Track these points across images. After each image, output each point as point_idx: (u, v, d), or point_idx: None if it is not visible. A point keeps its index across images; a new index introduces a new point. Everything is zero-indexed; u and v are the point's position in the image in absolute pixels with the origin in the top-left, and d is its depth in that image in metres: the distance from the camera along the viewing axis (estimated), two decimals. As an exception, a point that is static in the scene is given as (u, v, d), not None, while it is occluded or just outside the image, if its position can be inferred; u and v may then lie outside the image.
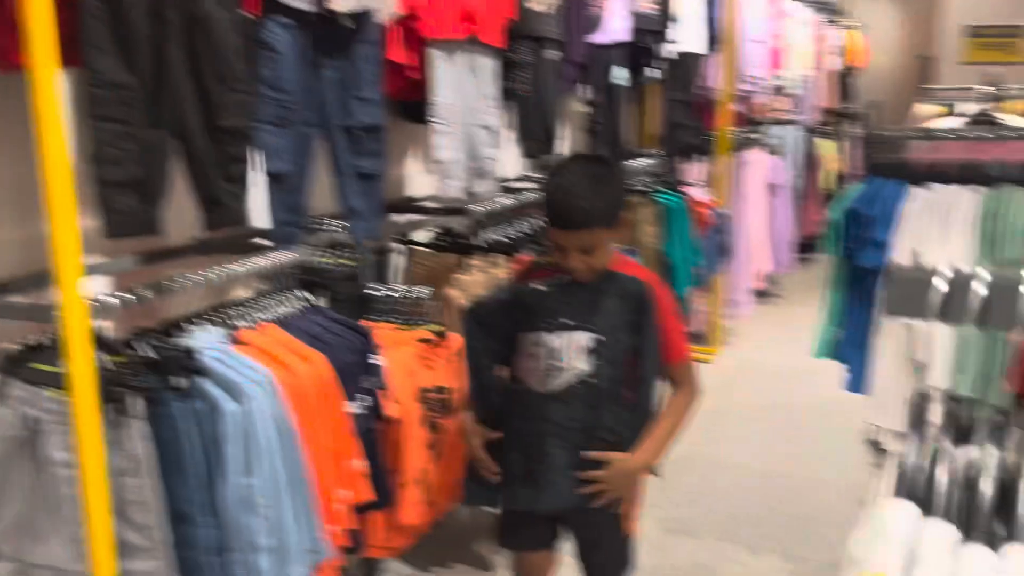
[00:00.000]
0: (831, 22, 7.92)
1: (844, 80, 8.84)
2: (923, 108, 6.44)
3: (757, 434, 4.23)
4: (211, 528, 1.56)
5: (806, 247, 7.74)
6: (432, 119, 2.32)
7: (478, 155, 2.54)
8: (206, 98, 1.62)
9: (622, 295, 1.79)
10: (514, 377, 1.85)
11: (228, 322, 1.84)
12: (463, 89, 2.43)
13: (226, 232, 2.15)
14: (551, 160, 1.81)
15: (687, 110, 4.23)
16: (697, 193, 4.27)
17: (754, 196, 5.58)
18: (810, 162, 7.25)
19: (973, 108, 6.20)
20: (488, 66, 2.53)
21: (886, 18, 11.59)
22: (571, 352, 1.77)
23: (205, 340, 1.71)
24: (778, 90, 6.10)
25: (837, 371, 5.03)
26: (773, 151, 6.10)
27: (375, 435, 1.96)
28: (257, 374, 1.66)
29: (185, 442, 1.54)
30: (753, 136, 5.70)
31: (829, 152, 8.00)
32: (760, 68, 5.17)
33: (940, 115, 6.46)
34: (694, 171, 5.14)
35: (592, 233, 1.73)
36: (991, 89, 4.00)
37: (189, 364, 1.58)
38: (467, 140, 2.49)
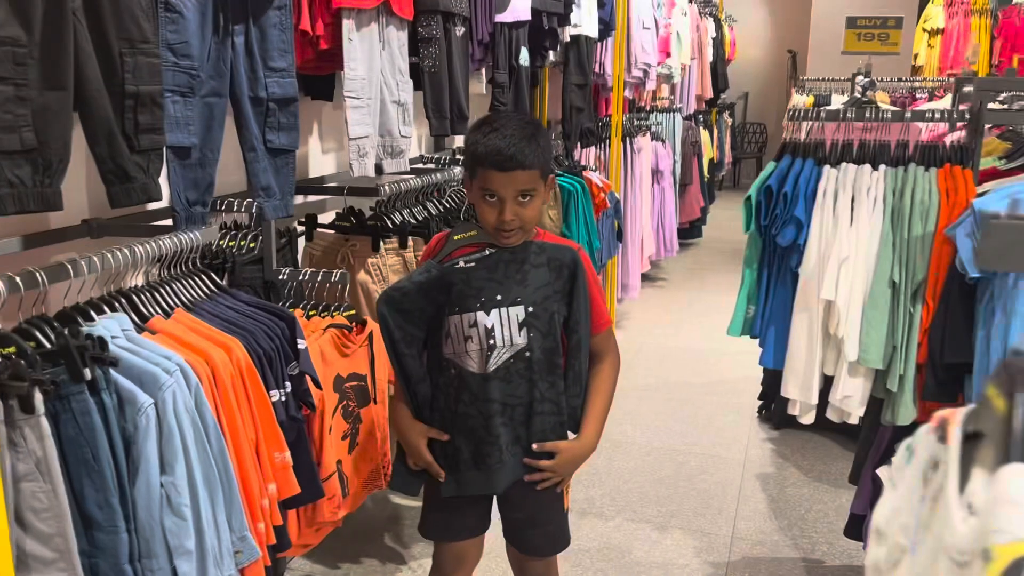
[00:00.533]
0: (708, 13, 8.19)
1: (716, 71, 9.15)
2: (797, 98, 6.74)
3: (655, 414, 4.32)
4: (127, 533, 1.41)
5: (686, 232, 8.00)
6: (346, 94, 2.21)
7: (391, 132, 2.43)
8: (111, 59, 1.46)
9: (552, 264, 1.77)
10: (448, 361, 1.78)
11: (133, 308, 1.68)
12: (376, 62, 2.32)
13: (121, 213, 1.98)
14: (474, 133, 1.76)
15: (585, 94, 4.24)
16: (594, 178, 4.29)
17: (642, 182, 5.68)
18: (693, 150, 7.46)
19: (844, 98, 6.55)
20: (400, 39, 2.43)
21: (758, 12, 12.09)
22: (506, 329, 1.73)
23: (110, 328, 1.55)
24: (665, 78, 6.23)
25: (725, 351, 5.24)
26: (657, 138, 6.24)
27: (301, 425, 1.84)
28: (171, 363, 1.52)
29: (94, 440, 1.39)
30: (641, 123, 5.80)
31: (704, 140, 8.28)
32: (651, 55, 5.25)
33: (809, 105, 6.79)
34: (586, 156, 5.18)
35: (531, 175, 1.69)
36: (865, 79, 4.20)
37: (95, 354, 1.42)
38: (380, 116, 2.38)
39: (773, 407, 4.30)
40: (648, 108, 6.64)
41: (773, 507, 3.43)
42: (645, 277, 6.45)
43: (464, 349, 1.75)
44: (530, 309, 1.73)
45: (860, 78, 4.34)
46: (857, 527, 2.71)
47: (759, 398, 4.41)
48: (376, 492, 2.77)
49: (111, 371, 1.46)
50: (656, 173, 6.27)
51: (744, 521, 3.30)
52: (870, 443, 2.70)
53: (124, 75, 1.49)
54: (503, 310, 1.73)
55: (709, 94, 8.75)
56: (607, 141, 5.12)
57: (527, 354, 1.75)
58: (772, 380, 4.37)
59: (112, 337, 1.54)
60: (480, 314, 1.73)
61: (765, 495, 3.53)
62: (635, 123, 5.66)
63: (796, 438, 4.09)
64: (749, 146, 12.08)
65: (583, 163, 4.68)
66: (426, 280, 1.77)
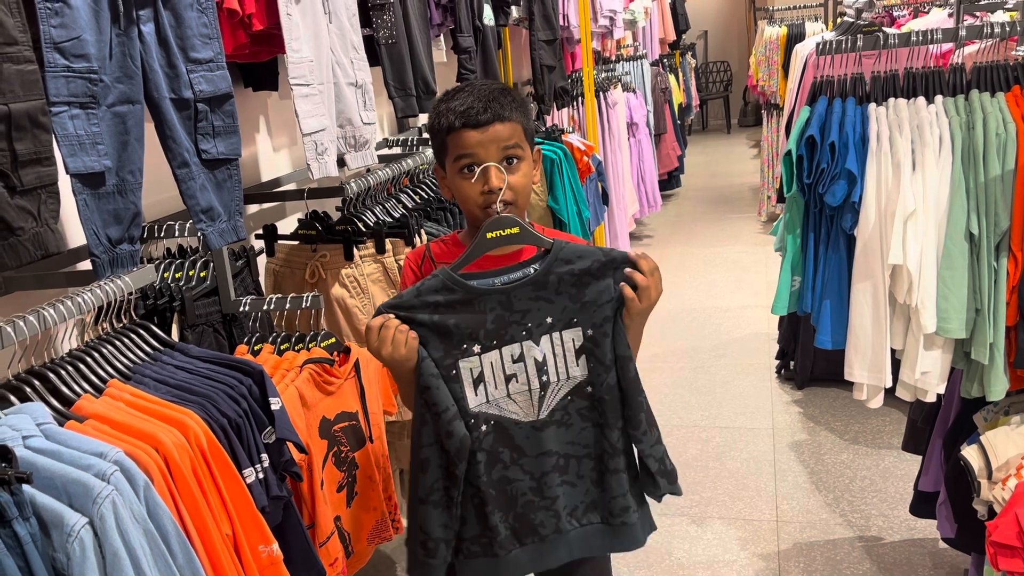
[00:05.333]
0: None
1: (675, 11, 8.76)
2: (769, 30, 6.38)
3: (668, 386, 4.02)
4: None
5: (664, 183, 7.65)
6: (292, 81, 1.81)
7: (351, 121, 2.05)
8: (-37, 72, 1.07)
9: (596, 270, 1.35)
10: (477, 416, 1.35)
11: (52, 390, 1.31)
12: (323, 39, 1.92)
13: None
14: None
15: (555, 51, 3.85)
16: (574, 141, 3.93)
17: (620, 137, 5.32)
18: (664, 96, 7.10)
19: (818, 25, 6.19)
20: (348, 8, 2.03)
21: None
22: (560, 359, 1.34)
23: (19, 425, 1.18)
24: (629, 24, 5.84)
25: (728, 307, 4.93)
26: (628, 89, 5.86)
27: (288, 502, 1.48)
28: (106, 463, 1.16)
29: (12, 589, 1.03)
30: (611, 75, 5.42)
31: (672, 85, 7.91)
32: (615, 0, 4.86)
33: (783, 37, 6.43)
34: (559, 118, 4.81)
35: (513, 129, 1.40)
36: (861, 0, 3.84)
37: (3, 471, 1.06)
38: (335, 103, 1.99)
39: (793, 365, 4.01)
40: (614, 58, 6.25)
41: (814, 480, 3.14)
42: (631, 236, 6.11)
43: (506, 392, 1.35)
44: (589, 332, 1.34)
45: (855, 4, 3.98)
46: (925, 505, 2.42)
47: (776, 357, 4.12)
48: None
49: (24, 489, 1.09)
50: (631, 126, 5.90)
51: (786, 501, 3.02)
52: (925, 406, 2.40)
53: (-13, 91, 1.10)
54: (555, 335, 1.33)
55: (672, 36, 8.37)
56: (580, 98, 4.75)
57: (588, 389, 1.36)
58: (789, 336, 4.08)
59: (24, 437, 1.17)
60: (527, 344, 1.33)
61: (803, 467, 3.25)
62: (606, 76, 5.28)
63: (823, 397, 3.81)
64: (714, 86, 11.71)
65: (558, 126, 4.31)
66: (446, 302, 1.29)
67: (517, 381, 1.35)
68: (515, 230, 1.32)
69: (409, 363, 1.31)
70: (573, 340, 1.34)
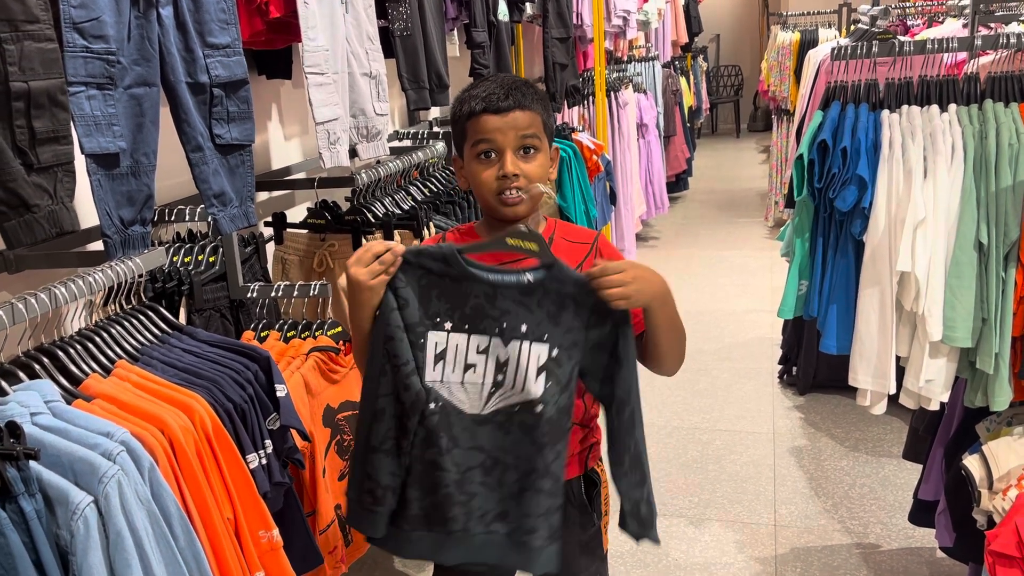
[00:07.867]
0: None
1: (688, 13, 8.76)
2: (782, 36, 6.37)
3: (670, 389, 4.02)
4: (72, 677, 1.07)
5: (672, 186, 7.65)
6: (306, 69, 1.82)
7: (364, 111, 2.05)
8: (-16, 48, 1.07)
9: (580, 302, 1.34)
10: (429, 392, 1.34)
11: (61, 369, 1.31)
12: (339, 29, 1.93)
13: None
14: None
15: (567, 49, 3.85)
16: (584, 140, 3.93)
17: (630, 138, 5.32)
18: (674, 99, 7.09)
19: (831, 32, 6.18)
20: (365, -1, 2.04)
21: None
22: (522, 370, 1.33)
23: (28, 402, 1.19)
24: (642, 24, 5.83)
25: (732, 311, 4.93)
26: (639, 90, 5.86)
27: (288, 489, 1.49)
28: (112, 443, 1.17)
29: (14, 568, 1.04)
30: (622, 75, 5.42)
31: (683, 87, 7.91)
32: (629, 1, 4.85)
33: (796, 43, 6.43)
34: (569, 116, 4.81)
35: (532, 118, 1.40)
36: (875, 8, 3.84)
37: (4, 448, 1.06)
38: (349, 93, 2.00)
39: (795, 371, 4.01)
40: (626, 59, 6.25)
41: (813, 486, 3.14)
42: (637, 237, 6.11)
43: (460, 379, 1.34)
44: (554, 353, 1.33)
45: (864, 7, 3.97)
46: (924, 514, 2.42)
47: (779, 362, 4.12)
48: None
49: (31, 465, 1.10)
50: (641, 127, 5.90)
51: (785, 505, 3.02)
52: (927, 415, 2.40)
53: (7, 68, 1.10)
54: (524, 345, 1.33)
55: (684, 39, 8.36)
56: (591, 97, 4.75)
57: (539, 408, 1.34)
58: (793, 341, 4.08)
59: (32, 414, 1.18)
60: (496, 341, 1.33)
61: (802, 472, 3.25)
62: (617, 76, 5.27)
63: (824, 403, 3.81)
64: (725, 90, 11.70)
65: (569, 124, 4.31)
66: (438, 272, 1.32)
67: (475, 372, 1.34)
68: (534, 246, 1.32)
69: (368, 295, 1.32)
70: (539, 356, 1.33)
